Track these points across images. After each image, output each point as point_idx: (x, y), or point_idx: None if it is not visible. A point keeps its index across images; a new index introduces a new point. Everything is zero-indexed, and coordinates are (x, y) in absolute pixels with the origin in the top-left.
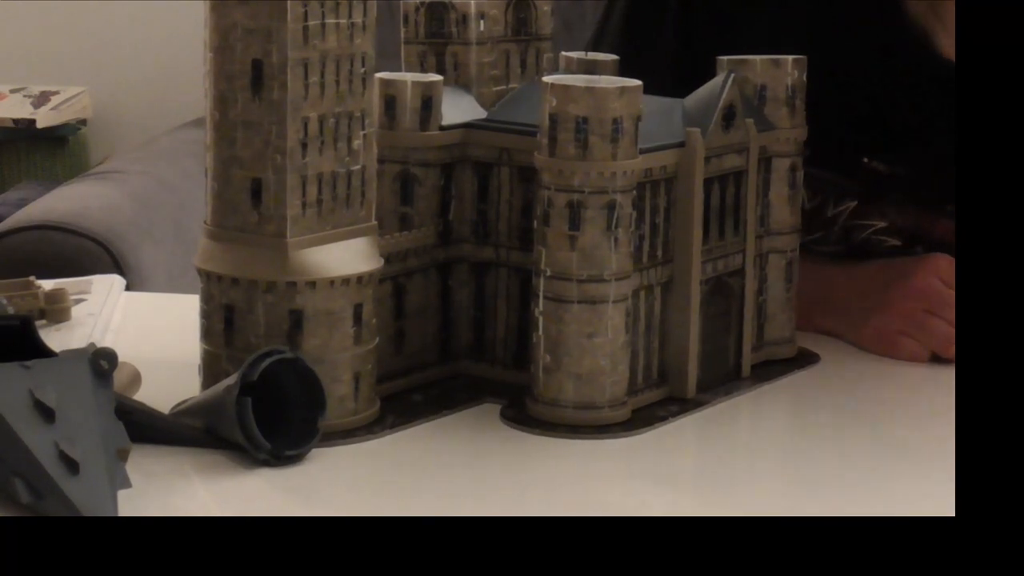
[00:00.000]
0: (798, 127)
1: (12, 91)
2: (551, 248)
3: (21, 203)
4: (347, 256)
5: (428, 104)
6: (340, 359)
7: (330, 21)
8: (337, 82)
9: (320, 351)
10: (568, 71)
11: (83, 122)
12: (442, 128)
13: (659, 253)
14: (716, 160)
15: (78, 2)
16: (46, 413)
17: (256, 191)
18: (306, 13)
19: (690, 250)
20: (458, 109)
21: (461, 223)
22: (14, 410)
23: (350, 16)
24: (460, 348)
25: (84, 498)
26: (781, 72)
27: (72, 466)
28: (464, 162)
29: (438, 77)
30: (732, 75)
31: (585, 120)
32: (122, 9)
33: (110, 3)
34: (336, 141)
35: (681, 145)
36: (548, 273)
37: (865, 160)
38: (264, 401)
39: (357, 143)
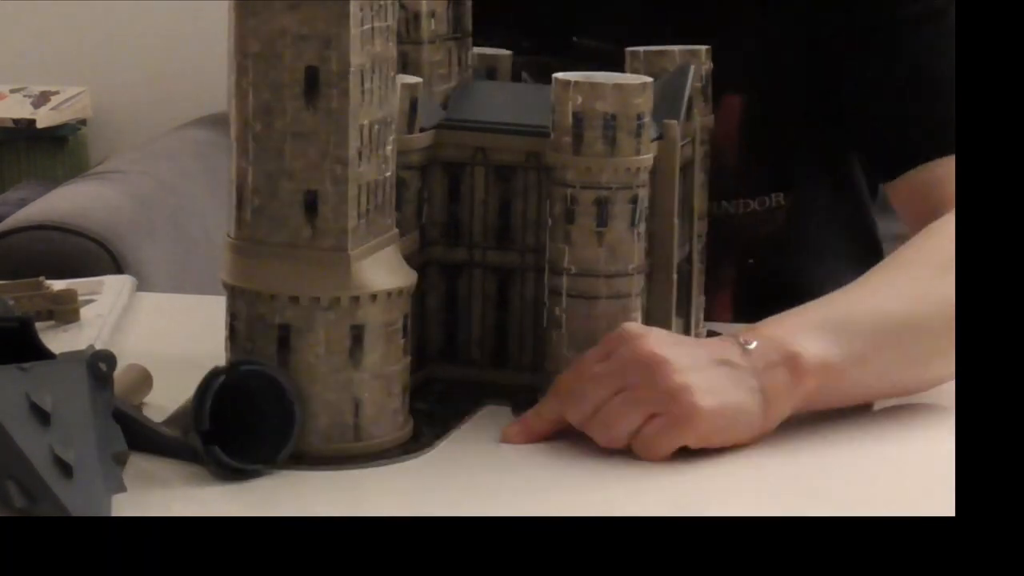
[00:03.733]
0: (708, 115)
1: (12, 91)
2: (576, 246)
3: (21, 203)
4: (394, 266)
5: (414, 106)
6: (394, 372)
7: (378, 25)
8: (380, 88)
9: (379, 366)
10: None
11: (83, 122)
12: (422, 129)
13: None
14: (680, 151)
15: (78, 2)
16: (41, 416)
17: (311, 204)
18: (363, 18)
19: (671, 241)
20: (423, 109)
21: (432, 225)
22: (9, 413)
23: (386, 19)
24: (432, 351)
25: (77, 502)
26: (697, 61)
27: (66, 469)
28: (434, 163)
29: (418, 79)
30: (692, 67)
31: (613, 117)
32: (122, 9)
33: (110, 3)
34: (376, 148)
35: (661, 137)
36: (573, 271)
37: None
38: (238, 404)
39: (389, 149)
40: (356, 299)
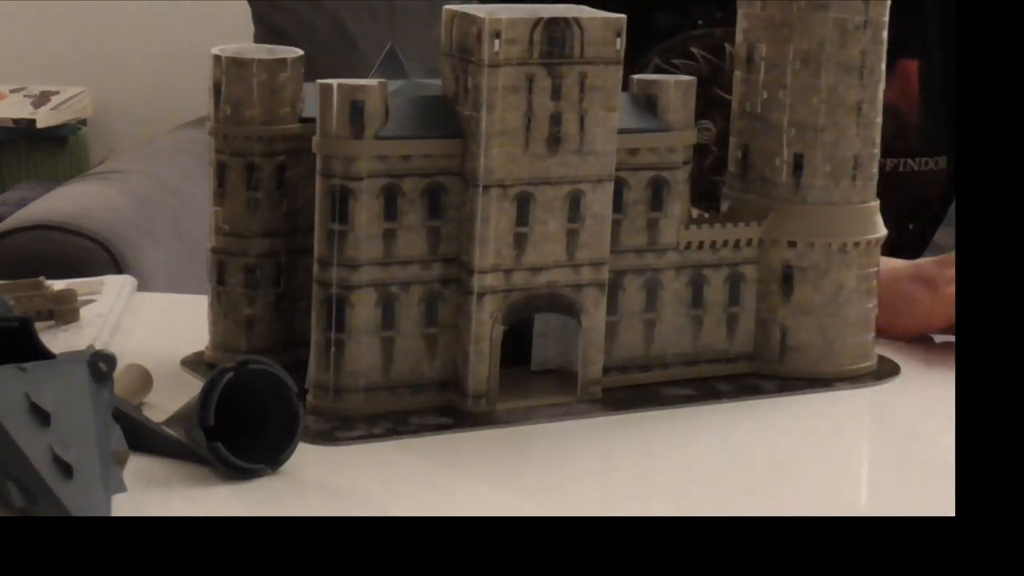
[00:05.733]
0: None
1: (12, 91)
2: None
3: (21, 203)
4: None
5: None
6: None
7: None
8: None
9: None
10: None
11: (83, 122)
12: None
13: None
14: None
15: (78, 2)
16: (41, 416)
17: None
18: None
19: None
20: None
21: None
22: (10, 413)
23: None
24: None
25: (77, 502)
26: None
27: (66, 470)
28: None
29: None
30: None
31: None
32: (122, 9)
33: (110, 3)
34: None
35: None
36: None
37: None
38: (243, 404)
39: None
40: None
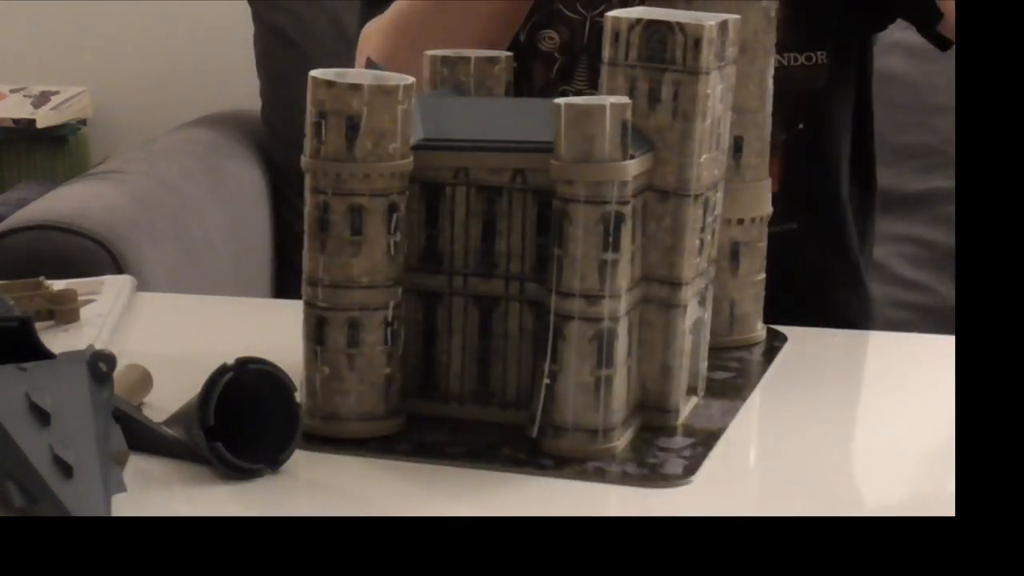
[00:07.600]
0: None
1: (12, 91)
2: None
3: (21, 203)
4: None
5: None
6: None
7: None
8: None
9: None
10: None
11: (83, 122)
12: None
13: None
14: None
15: (78, 2)
16: (41, 416)
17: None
18: None
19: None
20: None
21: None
22: (9, 413)
23: None
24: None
25: (77, 502)
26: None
27: (66, 470)
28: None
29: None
30: None
31: None
32: (122, 9)
33: (110, 3)
34: None
35: None
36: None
37: None
38: (243, 404)
39: None
40: None
